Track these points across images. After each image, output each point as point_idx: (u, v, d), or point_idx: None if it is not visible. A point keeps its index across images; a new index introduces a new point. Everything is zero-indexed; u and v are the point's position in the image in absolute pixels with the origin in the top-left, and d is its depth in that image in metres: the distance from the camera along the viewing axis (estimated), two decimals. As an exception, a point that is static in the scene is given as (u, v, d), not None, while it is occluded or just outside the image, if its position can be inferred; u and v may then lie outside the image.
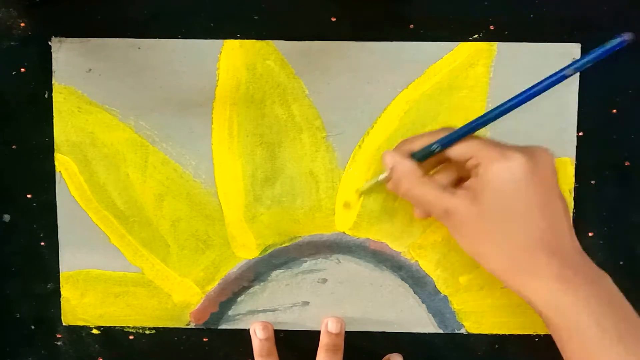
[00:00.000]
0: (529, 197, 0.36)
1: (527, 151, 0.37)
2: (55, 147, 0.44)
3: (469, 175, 0.39)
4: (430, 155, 0.39)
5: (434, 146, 0.39)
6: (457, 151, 0.38)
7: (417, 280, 0.45)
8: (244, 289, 0.45)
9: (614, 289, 0.38)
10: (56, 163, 0.44)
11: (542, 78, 0.41)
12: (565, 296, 0.36)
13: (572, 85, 0.43)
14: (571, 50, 0.43)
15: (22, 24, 0.44)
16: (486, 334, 0.45)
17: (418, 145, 0.39)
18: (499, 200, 0.36)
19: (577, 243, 0.38)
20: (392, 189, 0.40)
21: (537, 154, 0.37)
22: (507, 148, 0.37)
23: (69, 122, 0.44)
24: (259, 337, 0.44)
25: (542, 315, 0.37)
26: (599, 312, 0.36)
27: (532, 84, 0.42)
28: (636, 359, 0.35)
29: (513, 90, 0.43)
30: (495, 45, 0.43)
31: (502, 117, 0.44)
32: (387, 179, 0.40)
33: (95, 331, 0.46)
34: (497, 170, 0.36)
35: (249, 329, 0.45)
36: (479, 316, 0.45)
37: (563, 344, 0.37)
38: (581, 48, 0.43)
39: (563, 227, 0.37)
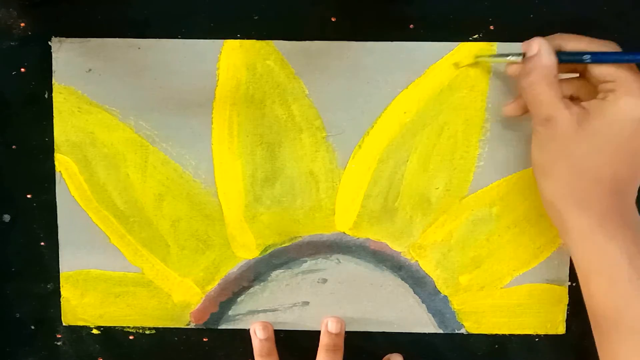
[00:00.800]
0: (636, 142, 0.36)
1: None
2: (55, 147, 0.44)
3: (588, 96, 0.38)
4: (574, 62, 0.38)
5: (586, 57, 0.38)
6: (603, 71, 0.38)
7: (417, 280, 0.45)
8: (244, 289, 0.45)
9: None
10: (56, 163, 0.44)
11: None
12: (600, 233, 0.36)
13: (572, 85, 0.43)
14: (571, 50, 0.43)
15: (22, 24, 0.44)
16: (486, 334, 0.45)
17: (570, 47, 0.39)
18: (608, 132, 0.36)
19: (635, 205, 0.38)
20: (513, 72, 0.40)
21: None
22: None
23: (69, 122, 0.44)
24: (259, 337, 0.44)
25: (572, 249, 0.38)
26: (632, 251, 0.36)
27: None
28: None
29: (513, 90, 0.43)
30: (495, 45, 0.43)
31: (502, 118, 0.44)
32: (521, 62, 0.39)
33: (95, 331, 0.46)
34: (626, 104, 0.36)
35: (249, 329, 0.45)
36: (479, 316, 0.45)
37: (588, 283, 0.37)
38: (581, 48, 0.43)
39: (635, 172, 0.38)
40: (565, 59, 0.38)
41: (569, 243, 0.38)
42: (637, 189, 0.38)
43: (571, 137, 0.37)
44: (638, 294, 0.36)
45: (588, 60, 0.38)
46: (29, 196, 0.45)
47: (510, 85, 0.43)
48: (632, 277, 0.36)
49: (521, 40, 0.43)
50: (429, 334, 0.45)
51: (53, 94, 0.44)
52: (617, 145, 0.37)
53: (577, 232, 0.37)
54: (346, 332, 0.45)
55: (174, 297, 0.45)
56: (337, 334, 0.44)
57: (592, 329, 0.39)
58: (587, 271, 0.38)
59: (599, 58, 0.38)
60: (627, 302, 0.36)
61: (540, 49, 0.38)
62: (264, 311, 0.45)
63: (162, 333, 0.46)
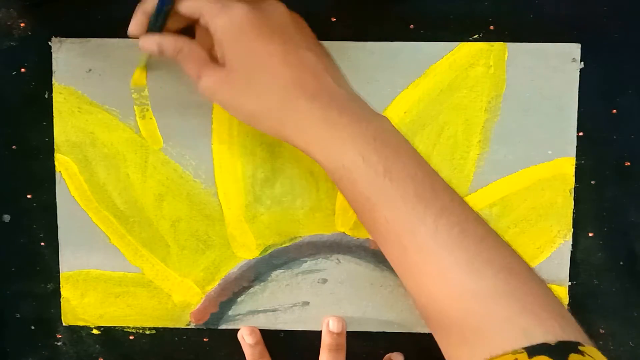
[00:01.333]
0: (263, 47, 0.36)
1: (251, 2, 0.36)
2: (55, 147, 0.44)
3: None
4: (166, 16, 0.38)
5: (164, 4, 0.38)
6: (185, 9, 0.38)
7: (417, 280, 0.45)
8: (244, 289, 0.45)
9: (389, 129, 0.37)
10: (56, 163, 0.44)
11: (542, 78, 0.41)
12: (330, 136, 0.36)
13: (572, 85, 0.43)
14: (571, 50, 0.43)
15: (22, 24, 0.44)
16: (486, 334, 0.45)
17: (150, 6, 0.39)
18: (236, 54, 0.36)
19: (349, 89, 0.38)
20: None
21: (265, 4, 0.37)
22: (227, 1, 0.37)
23: (69, 122, 0.44)
24: (248, 343, 0.44)
25: (318, 162, 0.37)
26: (364, 149, 0.35)
27: (532, 84, 0.42)
28: (401, 191, 0.35)
29: (513, 90, 0.44)
30: (495, 45, 0.43)
31: (503, 118, 0.44)
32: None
33: (95, 331, 0.46)
34: (221, 24, 0.36)
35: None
36: (479, 316, 0.45)
37: (339, 187, 0.37)
38: (581, 48, 0.43)
39: (320, 74, 0.37)
40: (157, 21, 0.39)
41: (310, 155, 0.37)
42: (335, 83, 0.37)
43: (225, 78, 0.37)
44: (378, 193, 0.35)
45: (169, 6, 0.38)
46: (29, 196, 0.45)
47: (510, 85, 0.43)
48: (369, 177, 0.35)
49: (521, 40, 0.43)
50: (429, 334, 0.45)
51: (53, 94, 0.44)
52: (262, 54, 0.36)
53: (310, 144, 0.37)
54: (346, 332, 0.45)
55: (174, 297, 0.45)
56: (339, 333, 0.44)
57: (364, 225, 0.38)
58: (333, 174, 0.37)
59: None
60: (373, 201, 0.35)
61: (168, 44, 0.38)
62: (264, 311, 0.45)
63: (162, 333, 0.46)
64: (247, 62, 0.36)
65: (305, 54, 0.37)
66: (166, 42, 0.38)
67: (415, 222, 0.35)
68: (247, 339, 0.44)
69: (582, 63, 0.43)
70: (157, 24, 0.39)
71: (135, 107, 0.44)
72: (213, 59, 0.38)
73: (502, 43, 0.43)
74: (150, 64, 0.43)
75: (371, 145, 0.36)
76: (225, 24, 0.36)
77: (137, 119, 0.44)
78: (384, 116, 0.38)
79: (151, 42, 0.38)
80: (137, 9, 0.39)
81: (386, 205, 0.35)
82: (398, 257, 0.36)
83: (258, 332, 0.45)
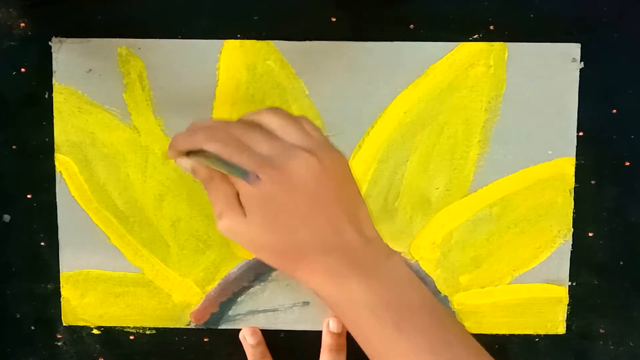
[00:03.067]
0: (289, 201, 0.35)
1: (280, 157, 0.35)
2: (55, 147, 0.44)
3: None
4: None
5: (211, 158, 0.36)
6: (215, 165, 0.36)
7: (417, 280, 0.45)
8: (244, 289, 0.45)
9: (402, 276, 0.36)
10: (56, 163, 0.44)
11: (542, 78, 0.41)
12: (340, 292, 0.35)
13: (572, 85, 0.43)
14: (571, 50, 0.43)
15: (22, 24, 0.44)
16: (486, 334, 0.45)
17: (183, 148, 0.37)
18: (259, 207, 0.35)
19: (365, 233, 0.36)
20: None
21: (288, 157, 0.35)
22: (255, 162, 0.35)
23: (69, 122, 0.44)
24: (249, 343, 0.44)
25: (328, 305, 0.37)
26: (373, 304, 0.35)
27: (532, 84, 0.42)
28: (412, 346, 0.35)
29: (513, 90, 0.44)
30: (495, 45, 0.43)
31: (503, 118, 0.44)
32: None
33: (95, 331, 0.46)
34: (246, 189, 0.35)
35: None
36: (479, 316, 0.45)
37: (352, 332, 0.36)
38: (581, 48, 0.43)
39: (341, 228, 0.36)
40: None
41: (322, 299, 0.37)
42: (355, 234, 0.36)
43: (245, 225, 0.35)
44: (389, 348, 0.35)
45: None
46: (29, 196, 0.45)
47: (510, 85, 0.43)
48: (380, 331, 0.35)
49: (521, 40, 0.43)
50: (429, 334, 0.45)
51: (53, 94, 0.44)
52: (281, 212, 0.35)
53: (320, 291, 0.36)
54: (347, 332, 0.45)
55: (174, 297, 0.45)
56: (339, 334, 0.44)
57: None
58: (346, 320, 0.36)
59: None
60: (384, 349, 0.35)
61: (193, 167, 0.37)
62: (264, 311, 0.45)
63: (163, 333, 0.46)
64: (269, 215, 0.35)
65: (331, 211, 0.36)
66: (200, 168, 0.37)
67: None
68: (248, 340, 0.44)
69: (582, 63, 0.43)
70: None
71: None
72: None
73: (502, 43, 0.43)
74: (151, 65, 0.43)
75: (383, 300, 0.35)
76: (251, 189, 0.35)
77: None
78: (398, 257, 0.37)
79: (186, 164, 0.37)
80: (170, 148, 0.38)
81: (397, 356, 0.35)
82: None
83: (259, 332, 0.45)
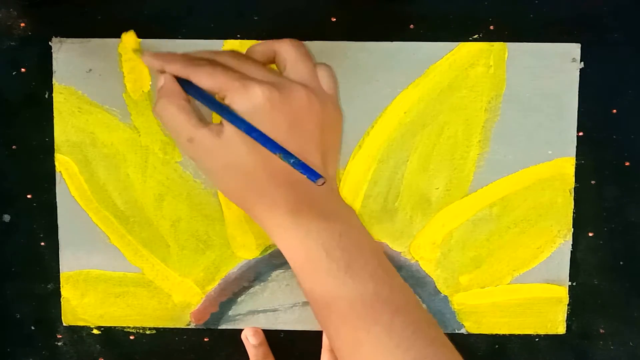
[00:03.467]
0: (269, 128, 0.36)
1: (276, 84, 0.36)
2: (55, 147, 0.44)
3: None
4: (197, 99, 0.38)
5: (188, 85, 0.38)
6: (205, 84, 0.37)
7: (417, 281, 0.45)
8: (244, 289, 0.45)
9: (356, 224, 0.38)
10: (56, 163, 0.44)
11: (542, 78, 0.41)
12: (296, 226, 0.36)
13: (572, 85, 0.43)
14: (571, 50, 0.43)
15: (22, 24, 0.44)
16: (486, 334, 0.45)
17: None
18: (240, 132, 0.36)
19: (330, 175, 0.38)
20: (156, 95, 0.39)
21: (286, 87, 0.36)
22: (251, 80, 0.36)
23: (69, 122, 0.44)
24: (252, 344, 0.44)
25: (279, 247, 0.37)
26: (329, 244, 0.36)
27: (532, 84, 0.42)
28: (361, 288, 0.36)
29: (513, 90, 0.44)
30: (495, 45, 0.43)
31: (503, 118, 0.44)
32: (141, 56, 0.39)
33: (95, 331, 0.46)
34: (239, 102, 0.36)
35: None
36: (479, 316, 0.45)
37: (297, 276, 0.37)
38: (581, 48, 0.43)
39: (311, 161, 0.37)
40: (191, 93, 0.38)
41: (273, 238, 0.38)
42: (325, 174, 0.37)
43: (216, 148, 0.36)
44: (338, 288, 0.36)
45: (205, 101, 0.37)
46: (29, 196, 0.45)
47: (510, 85, 0.43)
48: (331, 271, 0.36)
49: (521, 40, 0.43)
50: (429, 333, 0.45)
51: (53, 94, 0.44)
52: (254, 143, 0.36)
53: (275, 229, 0.37)
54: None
55: (174, 297, 0.45)
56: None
57: (314, 314, 0.38)
58: (295, 262, 0.37)
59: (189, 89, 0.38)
60: (331, 297, 0.36)
61: (165, 81, 0.38)
62: (264, 311, 0.45)
63: (163, 333, 0.46)
64: (245, 139, 0.36)
65: (307, 147, 0.37)
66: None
67: (372, 320, 0.35)
68: (251, 340, 0.44)
69: (582, 63, 0.43)
70: None
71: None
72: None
73: (502, 43, 0.43)
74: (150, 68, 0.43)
75: (336, 240, 0.36)
76: (242, 102, 0.36)
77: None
78: (352, 209, 0.39)
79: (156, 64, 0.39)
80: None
81: (345, 300, 0.36)
82: (351, 351, 0.36)
83: (262, 333, 0.45)
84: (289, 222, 0.36)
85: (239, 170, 0.37)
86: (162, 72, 0.39)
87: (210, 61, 0.38)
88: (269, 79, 0.37)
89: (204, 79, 0.37)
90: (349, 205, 0.39)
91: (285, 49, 0.38)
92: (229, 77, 0.36)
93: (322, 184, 0.35)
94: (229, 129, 0.36)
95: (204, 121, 0.37)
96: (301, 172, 0.35)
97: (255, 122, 0.36)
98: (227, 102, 0.36)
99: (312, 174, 0.35)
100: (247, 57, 0.39)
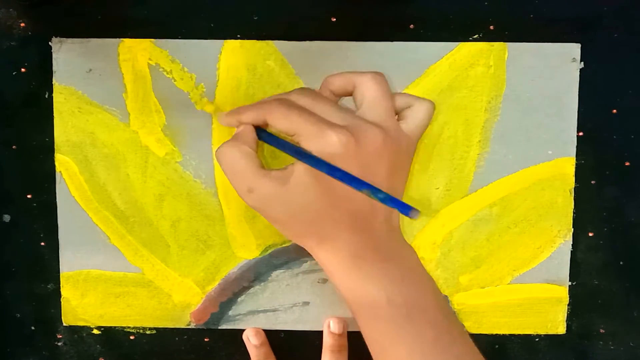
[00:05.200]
0: (338, 184, 0.35)
1: (351, 127, 0.35)
2: (55, 148, 0.44)
3: None
4: (272, 145, 0.38)
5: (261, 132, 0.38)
6: (281, 126, 0.36)
7: (417, 280, 0.45)
8: (245, 289, 0.45)
9: (416, 268, 0.37)
10: (56, 163, 0.44)
11: (542, 78, 0.41)
12: (357, 270, 0.36)
13: (572, 85, 0.43)
14: (571, 50, 0.43)
15: (22, 24, 0.44)
16: (486, 334, 0.45)
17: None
18: (311, 178, 0.35)
19: (393, 220, 0.37)
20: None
21: (363, 132, 0.35)
22: (327, 124, 0.35)
23: (69, 122, 0.44)
24: (253, 344, 0.44)
25: (336, 288, 0.37)
26: (390, 290, 0.35)
27: (532, 84, 0.42)
28: (421, 335, 0.35)
29: (513, 90, 0.44)
30: (495, 45, 0.43)
31: (503, 118, 0.44)
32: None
33: (96, 331, 0.46)
34: (314, 149, 0.35)
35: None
36: (479, 316, 0.45)
37: (356, 317, 0.37)
38: (581, 48, 0.43)
39: (375, 207, 0.36)
40: (266, 140, 0.38)
41: (332, 279, 0.37)
42: (384, 221, 0.37)
43: (279, 197, 0.36)
44: (397, 335, 0.35)
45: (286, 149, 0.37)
46: (29, 196, 0.45)
47: (510, 85, 0.43)
48: (391, 318, 0.35)
49: (521, 40, 0.43)
50: (429, 333, 0.45)
51: (53, 94, 0.44)
52: (331, 182, 0.35)
53: (336, 270, 0.36)
54: (348, 332, 0.45)
55: (174, 297, 0.45)
56: (340, 334, 0.44)
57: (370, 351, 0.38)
58: (354, 305, 0.36)
59: (264, 135, 0.38)
60: (389, 342, 0.35)
61: (239, 129, 0.38)
62: (264, 311, 0.45)
63: (163, 333, 0.46)
64: (313, 183, 0.35)
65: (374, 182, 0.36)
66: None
67: None
68: (252, 340, 0.44)
69: (582, 63, 0.43)
70: None
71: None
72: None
73: (502, 43, 0.43)
74: (150, 67, 0.43)
75: (397, 286, 0.35)
76: (317, 147, 0.35)
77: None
78: (413, 250, 0.38)
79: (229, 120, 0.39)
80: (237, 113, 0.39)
81: (404, 346, 0.35)
82: None
83: (263, 333, 0.45)
84: (350, 264, 0.36)
85: (304, 216, 0.36)
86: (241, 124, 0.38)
87: (284, 101, 0.37)
88: (344, 121, 0.36)
89: (279, 121, 0.36)
90: (409, 244, 0.38)
91: (367, 86, 0.37)
92: (303, 120, 0.35)
93: (417, 216, 0.34)
94: (299, 174, 0.35)
95: (265, 169, 0.36)
96: (392, 207, 0.34)
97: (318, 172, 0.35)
98: (302, 145, 0.35)
99: (405, 208, 0.34)
100: (320, 96, 0.37)
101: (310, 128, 0.35)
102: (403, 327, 0.35)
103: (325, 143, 0.35)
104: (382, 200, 0.35)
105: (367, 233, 0.36)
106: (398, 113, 0.39)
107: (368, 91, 0.37)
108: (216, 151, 0.38)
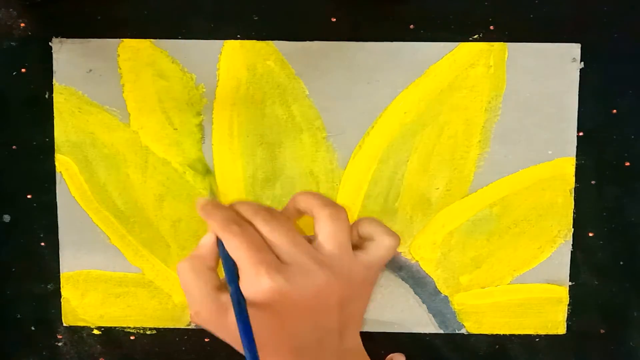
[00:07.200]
0: (266, 318, 0.36)
1: (294, 268, 0.36)
2: (55, 148, 0.44)
3: None
4: None
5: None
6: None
7: (417, 281, 0.45)
8: (245, 289, 0.45)
9: None
10: (56, 163, 0.44)
11: (542, 78, 0.41)
12: None
13: (572, 85, 0.44)
14: (571, 50, 0.43)
15: (22, 24, 0.44)
16: (487, 334, 0.45)
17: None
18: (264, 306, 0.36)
19: (347, 343, 0.39)
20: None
21: (304, 272, 0.36)
22: (266, 267, 0.35)
23: (69, 122, 0.44)
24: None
25: None
26: None
27: (532, 84, 0.41)
28: None
29: (513, 90, 0.44)
30: (495, 45, 0.43)
31: (503, 118, 0.44)
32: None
33: (96, 331, 0.46)
34: (245, 285, 0.35)
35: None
36: (480, 316, 0.45)
37: None
38: (581, 48, 0.43)
39: (322, 342, 0.37)
40: (221, 255, 0.37)
41: None
42: (335, 352, 0.38)
43: (219, 327, 0.37)
44: None
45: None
46: (29, 196, 0.45)
47: (510, 85, 0.43)
48: None
49: (521, 41, 0.43)
50: (429, 334, 0.46)
51: (53, 94, 0.44)
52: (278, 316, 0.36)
53: None
54: (346, 332, 0.45)
55: (174, 297, 0.45)
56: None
57: None
58: None
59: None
60: None
61: (204, 240, 0.38)
62: (265, 311, 0.45)
63: (163, 333, 0.46)
64: (261, 322, 0.36)
65: (322, 323, 0.37)
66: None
67: None
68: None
69: (582, 63, 0.43)
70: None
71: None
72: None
73: (502, 43, 0.43)
74: (151, 67, 0.43)
75: None
76: (249, 287, 0.35)
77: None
78: None
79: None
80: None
81: None
82: None
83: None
84: None
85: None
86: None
87: (242, 226, 0.36)
88: (291, 258, 0.36)
89: (230, 250, 0.36)
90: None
91: (323, 223, 0.37)
92: (247, 256, 0.35)
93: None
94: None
95: (216, 292, 0.36)
96: None
97: (256, 308, 0.35)
98: (240, 281, 0.36)
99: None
100: (282, 224, 0.37)
101: (248, 266, 0.35)
102: None
103: (258, 285, 0.35)
104: None
105: (310, 357, 0.37)
106: (361, 240, 0.39)
107: (324, 227, 0.37)
108: (177, 266, 0.38)
